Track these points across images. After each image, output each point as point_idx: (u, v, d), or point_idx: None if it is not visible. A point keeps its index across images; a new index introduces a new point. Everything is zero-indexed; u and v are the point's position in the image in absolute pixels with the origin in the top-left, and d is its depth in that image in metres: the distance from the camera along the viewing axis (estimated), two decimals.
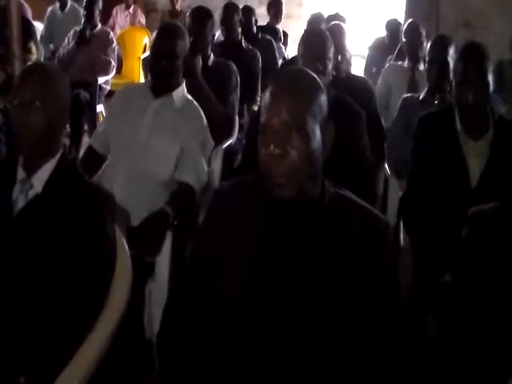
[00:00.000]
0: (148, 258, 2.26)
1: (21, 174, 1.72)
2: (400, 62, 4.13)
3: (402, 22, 5.05)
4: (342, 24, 3.71)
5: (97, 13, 5.20)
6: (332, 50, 2.51)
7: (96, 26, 5.13)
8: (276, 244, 1.39)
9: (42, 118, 1.66)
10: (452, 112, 2.43)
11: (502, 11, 6.52)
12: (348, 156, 2.24)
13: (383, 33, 5.34)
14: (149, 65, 2.67)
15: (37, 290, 1.59)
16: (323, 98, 1.41)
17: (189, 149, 2.52)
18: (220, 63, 3.45)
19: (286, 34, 6.12)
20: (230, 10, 4.17)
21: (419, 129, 2.55)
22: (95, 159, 2.66)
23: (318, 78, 1.47)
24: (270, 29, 5.57)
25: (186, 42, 2.66)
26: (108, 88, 5.19)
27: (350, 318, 1.35)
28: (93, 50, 4.96)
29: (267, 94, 1.38)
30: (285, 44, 5.89)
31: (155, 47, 2.61)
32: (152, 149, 2.48)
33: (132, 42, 6.04)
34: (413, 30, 4.05)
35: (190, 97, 2.68)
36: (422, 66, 3.98)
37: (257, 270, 1.38)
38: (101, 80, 4.99)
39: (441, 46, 3.17)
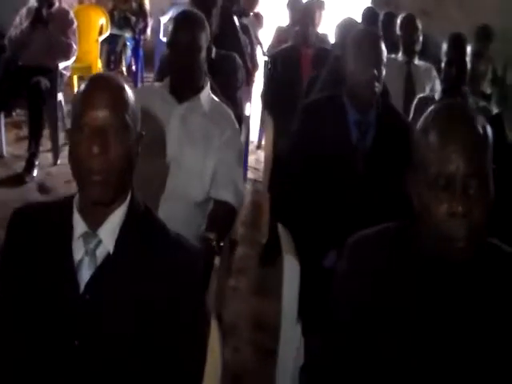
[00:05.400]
0: None
1: (80, 224, 1.26)
2: (393, 55, 3.96)
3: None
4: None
5: None
6: (385, 53, 2.25)
7: (53, 5, 4.60)
8: (438, 303, 1.21)
9: (121, 147, 1.24)
10: (501, 119, 2.30)
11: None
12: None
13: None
14: (167, 63, 2.27)
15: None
16: (492, 139, 1.20)
17: (225, 162, 2.16)
18: (224, 56, 3.05)
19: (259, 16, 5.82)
20: None
21: None
22: None
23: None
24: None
25: (208, 33, 2.27)
26: (68, 74, 4.69)
27: None
28: (51, 31, 4.46)
29: (432, 136, 1.15)
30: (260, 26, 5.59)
31: (173, 42, 2.20)
32: (183, 165, 2.11)
33: (87, 21, 5.47)
34: (409, 23, 3.91)
35: (216, 98, 2.32)
36: (417, 61, 3.89)
37: (418, 333, 1.21)
38: (61, 65, 4.49)
39: (459, 46, 3.07)
